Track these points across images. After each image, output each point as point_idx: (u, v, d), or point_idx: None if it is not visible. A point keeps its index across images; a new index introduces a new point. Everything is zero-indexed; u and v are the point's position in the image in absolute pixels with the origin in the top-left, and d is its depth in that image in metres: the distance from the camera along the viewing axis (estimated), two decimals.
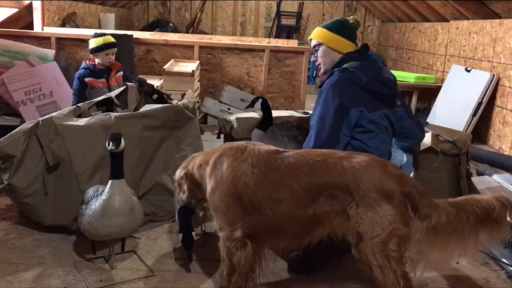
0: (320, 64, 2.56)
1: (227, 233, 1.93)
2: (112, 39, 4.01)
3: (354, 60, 2.43)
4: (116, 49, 4.01)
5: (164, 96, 3.36)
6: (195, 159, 2.13)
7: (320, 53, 2.54)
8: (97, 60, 3.96)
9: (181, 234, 2.33)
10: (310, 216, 1.86)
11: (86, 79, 3.94)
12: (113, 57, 3.99)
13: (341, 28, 2.53)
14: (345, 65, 2.41)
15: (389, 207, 1.80)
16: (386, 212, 1.79)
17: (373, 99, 2.39)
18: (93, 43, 3.95)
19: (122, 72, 4.06)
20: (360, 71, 2.38)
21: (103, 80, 3.94)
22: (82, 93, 3.93)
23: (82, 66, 4.05)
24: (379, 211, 1.80)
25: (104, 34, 4.08)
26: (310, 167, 1.89)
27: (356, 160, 1.88)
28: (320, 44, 2.53)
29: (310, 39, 2.63)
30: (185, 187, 2.13)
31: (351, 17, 2.60)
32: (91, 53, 3.99)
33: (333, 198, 1.85)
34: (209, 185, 1.98)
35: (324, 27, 2.57)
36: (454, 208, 1.88)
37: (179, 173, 2.17)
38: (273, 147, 2.05)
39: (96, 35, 4.00)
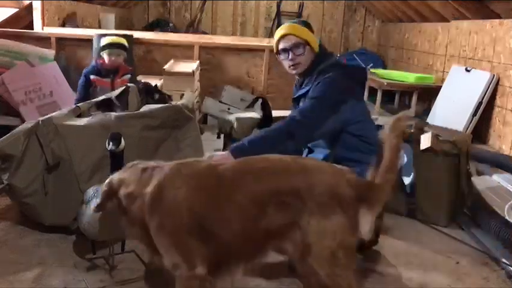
0: (299, 63, 2.46)
1: (186, 273, 1.70)
2: (118, 41, 4.00)
3: (330, 58, 2.46)
4: (121, 51, 3.97)
5: (166, 96, 3.36)
6: (124, 183, 1.84)
7: (305, 52, 2.45)
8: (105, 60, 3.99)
9: None
10: (263, 229, 1.68)
11: (92, 76, 3.95)
12: (117, 58, 3.95)
13: (311, 28, 2.52)
14: (328, 62, 2.43)
15: (342, 215, 1.65)
16: (338, 221, 1.64)
17: (360, 90, 2.50)
18: (101, 42, 4.01)
19: (129, 75, 4.03)
20: (346, 66, 2.46)
21: (108, 80, 3.93)
22: (85, 90, 3.94)
23: (91, 63, 4.11)
24: (332, 220, 1.64)
25: (118, 35, 4.14)
26: (255, 175, 1.72)
27: (306, 162, 1.77)
28: (305, 44, 2.44)
29: (285, 35, 2.46)
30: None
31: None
32: (99, 51, 4.05)
33: (283, 207, 1.66)
34: (151, 222, 1.73)
35: (303, 25, 2.48)
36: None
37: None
38: (207, 162, 1.86)
39: (107, 35, 4.08)
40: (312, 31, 2.50)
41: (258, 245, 1.73)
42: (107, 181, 1.90)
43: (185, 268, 1.70)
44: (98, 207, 1.91)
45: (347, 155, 2.37)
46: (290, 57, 2.44)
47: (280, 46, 2.46)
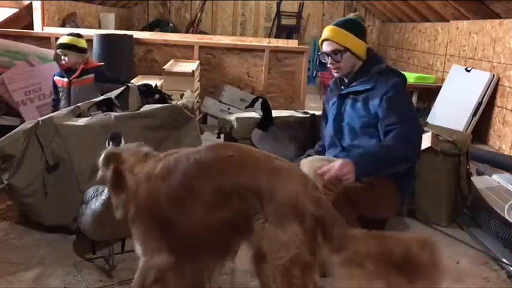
0: (340, 68, 2.41)
1: (147, 261, 1.71)
2: (65, 41, 3.83)
3: (380, 61, 2.43)
4: (67, 51, 3.78)
5: (166, 96, 3.36)
6: (129, 159, 1.82)
7: (344, 59, 2.37)
8: None
9: None
10: (225, 221, 1.61)
11: (55, 77, 3.91)
12: (70, 59, 3.78)
13: (361, 30, 2.40)
14: (382, 66, 2.39)
15: (299, 229, 1.54)
16: (294, 234, 1.54)
17: None
18: None
19: (92, 75, 3.81)
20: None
21: (65, 79, 3.81)
22: (54, 90, 3.93)
23: None
24: (287, 231, 1.54)
25: (72, 34, 3.94)
26: (221, 164, 1.65)
27: (277, 165, 1.67)
28: (345, 50, 2.34)
29: (326, 40, 2.39)
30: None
31: (354, 15, 2.49)
32: None
33: (243, 201, 1.59)
34: (132, 208, 1.75)
35: (346, 29, 2.36)
36: (375, 241, 1.63)
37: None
38: (186, 150, 1.80)
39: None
40: (360, 32, 2.39)
41: (221, 237, 1.66)
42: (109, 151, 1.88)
43: (147, 257, 1.70)
44: (104, 178, 1.86)
45: None
46: (329, 62, 2.41)
47: (322, 49, 2.43)
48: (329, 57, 2.39)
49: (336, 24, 2.39)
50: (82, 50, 3.88)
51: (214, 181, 1.62)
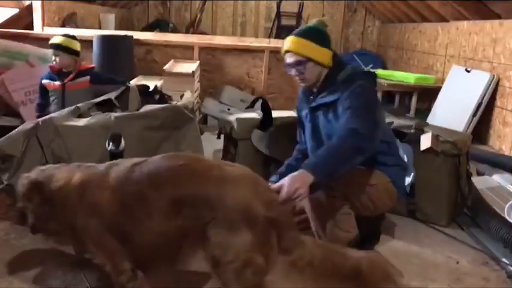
0: (305, 79, 2.38)
1: (114, 269, 1.75)
2: (58, 41, 3.72)
3: (346, 67, 2.38)
4: (59, 52, 3.68)
5: (166, 96, 3.36)
6: (53, 175, 1.86)
7: (307, 70, 2.33)
8: None
9: None
10: (179, 230, 1.63)
11: (43, 81, 3.78)
12: (61, 60, 3.69)
13: (323, 38, 2.35)
14: (348, 71, 2.35)
15: (249, 234, 1.58)
16: (244, 238, 1.57)
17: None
18: None
19: (87, 77, 3.75)
20: (364, 71, 2.42)
21: (58, 82, 3.70)
22: (42, 94, 3.78)
23: None
24: (237, 236, 1.57)
25: (67, 35, 3.83)
26: (173, 174, 1.68)
27: (227, 172, 1.67)
28: (306, 61, 2.31)
29: (287, 51, 2.34)
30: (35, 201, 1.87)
31: (316, 21, 2.42)
32: None
33: (195, 209, 1.62)
34: (80, 220, 1.77)
35: (307, 38, 2.31)
36: (321, 252, 1.67)
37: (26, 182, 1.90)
38: (135, 160, 1.83)
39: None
40: (323, 40, 2.34)
41: (174, 246, 1.68)
42: (27, 175, 1.90)
43: (112, 265, 1.74)
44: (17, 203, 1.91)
45: (377, 159, 2.33)
46: (293, 73, 2.38)
47: (285, 60, 2.40)
48: (293, 69, 2.36)
49: (297, 34, 2.34)
50: (74, 52, 3.78)
51: (167, 191, 1.64)
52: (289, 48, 2.33)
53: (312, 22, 2.42)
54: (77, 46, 3.82)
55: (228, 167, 1.71)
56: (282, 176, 2.45)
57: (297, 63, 2.32)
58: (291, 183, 1.88)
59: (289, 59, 2.35)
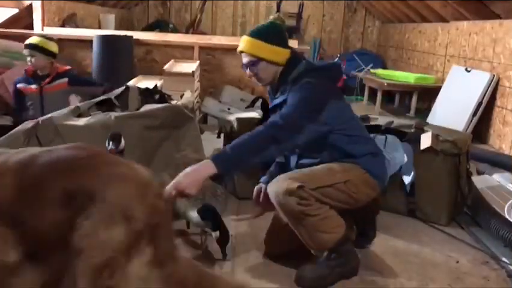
0: (260, 78, 2.37)
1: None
2: (34, 41, 3.64)
3: (300, 64, 2.35)
4: (34, 52, 3.59)
5: (166, 96, 3.36)
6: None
7: (260, 70, 2.32)
8: None
9: (215, 233, 2.29)
10: (69, 220, 1.55)
11: (18, 85, 3.69)
12: (36, 61, 3.60)
13: (276, 36, 2.33)
14: (300, 69, 2.32)
15: (121, 232, 1.51)
16: (115, 236, 1.51)
17: (338, 88, 2.42)
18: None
19: (65, 79, 3.67)
20: (319, 67, 2.38)
21: (35, 86, 3.60)
22: (17, 99, 3.68)
23: None
24: (109, 233, 1.52)
25: (45, 36, 3.76)
26: (68, 165, 1.63)
27: (119, 170, 1.64)
28: (258, 61, 2.29)
29: (241, 52, 2.34)
30: None
31: (272, 18, 2.41)
32: None
33: (81, 204, 1.56)
34: None
35: (259, 38, 2.29)
36: (193, 273, 1.63)
37: None
38: (42, 148, 1.77)
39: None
40: (276, 38, 2.32)
41: (65, 237, 1.59)
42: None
43: None
44: None
45: (342, 152, 2.30)
46: (248, 73, 2.38)
47: (242, 60, 2.39)
48: (248, 69, 2.36)
49: (249, 34, 2.34)
50: (51, 54, 3.70)
51: (60, 181, 1.60)
52: (242, 48, 2.34)
53: (268, 20, 2.40)
54: (54, 47, 3.75)
55: (122, 167, 1.66)
56: (273, 175, 2.48)
57: (250, 64, 2.33)
58: (179, 179, 1.95)
59: (243, 59, 2.37)
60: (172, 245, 1.62)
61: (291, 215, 2.16)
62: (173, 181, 1.96)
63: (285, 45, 2.36)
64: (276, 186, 2.17)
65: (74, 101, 3.65)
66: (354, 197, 2.26)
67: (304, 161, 2.37)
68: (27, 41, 3.65)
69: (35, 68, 3.62)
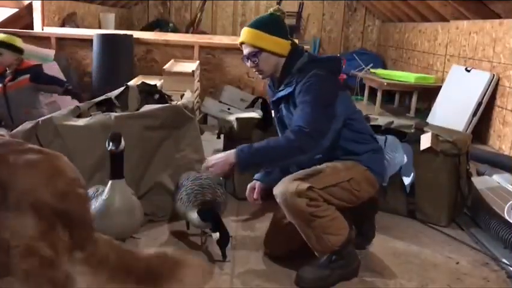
0: (261, 70, 2.36)
1: None
2: (1, 38, 3.56)
3: (302, 55, 2.35)
4: (6, 50, 3.52)
5: (166, 96, 3.35)
6: None
7: (261, 61, 2.31)
8: None
9: (215, 234, 2.29)
10: None
11: None
12: (0, 58, 3.51)
13: (277, 27, 2.31)
14: (304, 60, 2.32)
15: (32, 220, 1.54)
16: (27, 224, 1.54)
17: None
18: None
19: (27, 75, 3.58)
20: (322, 59, 2.38)
21: None
22: None
23: None
24: (22, 220, 1.54)
25: (6, 32, 3.71)
26: None
27: (26, 157, 1.63)
28: (259, 52, 2.28)
29: (242, 43, 2.34)
30: None
31: (272, 10, 2.34)
32: None
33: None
34: None
35: (259, 28, 2.29)
36: (114, 252, 1.64)
37: None
38: None
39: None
40: (276, 29, 2.31)
41: None
42: None
43: None
44: None
45: (345, 150, 2.31)
46: (249, 65, 2.36)
47: (243, 52, 2.39)
48: (248, 60, 2.36)
49: (250, 25, 2.34)
50: (18, 50, 3.64)
51: None
52: (243, 39, 2.34)
53: (269, 11, 2.39)
54: (20, 43, 3.69)
55: (32, 152, 1.66)
56: (267, 174, 2.54)
57: (251, 55, 2.32)
58: (211, 158, 2.18)
59: (244, 50, 2.36)
60: (89, 228, 1.64)
61: (300, 217, 2.14)
62: (209, 158, 2.19)
63: (286, 37, 2.35)
64: (284, 188, 2.14)
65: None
66: (356, 195, 2.26)
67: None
68: None
69: (4, 65, 3.55)
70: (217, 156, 2.16)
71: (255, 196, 2.56)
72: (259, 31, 2.29)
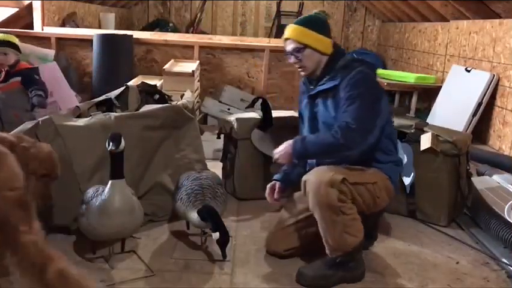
0: (304, 66, 2.40)
1: None
2: (5, 38, 3.48)
3: (343, 56, 2.39)
4: (7, 49, 3.44)
5: (166, 96, 3.35)
6: None
7: (305, 57, 2.36)
8: None
9: (215, 234, 2.28)
10: None
11: None
12: (2, 58, 3.42)
13: (322, 26, 2.38)
14: (347, 58, 2.37)
15: None
16: None
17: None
18: None
19: (19, 78, 3.45)
20: (364, 60, 2.43)
21: None
22: None
23: None
24: None
25: (4, 33, 3.58)
26: None
27: None
28: (304, 47, 2.34)
29: (286, 39, 2.40)
30: None
31: (317, 11, 2.42)
32: None
33: None
34: None
35: (305, 26, 2.35)
36: (36, 252, 1.69)
37: None
38: None
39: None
40: (321, 28, 2.37)
41: None
42: None
43: None
44: None
45: (370, 157, 2.31)
46: (293, 61, 2.41)
47: (285, 48, 2.43)
48: (292, 56, 2.40)
49: (296, 23, 2.40)
50: (18, 49, 3.57)
51: None
52: (288, 35, 2.39)
53: (313, 12, 2.45)
54: (18, 42, 3.61)
55: None
56: (286, 174, 2.51)
57: (295, 50, 2.36)
58: (276, 150, 2.31)
59: (288, 46, 2.40)
60: (14, 232, 1.64)
61: (329, 207, 2.14)
62: (275, 151, 2.32)
63: (329, 36, 2.40)
64: (318, 176, 2.16)
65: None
66: (376, 201, 2.28)
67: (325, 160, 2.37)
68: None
69: (9, 63, 3.46)
70: (280, 148, 2.29)
71: (275, 196, 2.55)
72: (305, 28, 2.35)
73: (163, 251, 2.51)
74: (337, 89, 2.29)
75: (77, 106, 3.01)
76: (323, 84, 2.37)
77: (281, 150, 2.28)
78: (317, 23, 2.38)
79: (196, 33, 8.52)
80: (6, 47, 3.46)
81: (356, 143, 2.15)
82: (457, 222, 3.06)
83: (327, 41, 2.37)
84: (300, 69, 2.43)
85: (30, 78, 3.52)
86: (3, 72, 3.39)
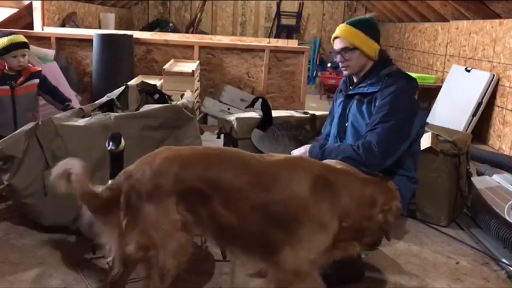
0: (349, 66, 2.40)
1: None
2: (21, 39, 3.38)
3: (391, 64, 2.39)
4: (27, 50, 3.38)
5: (166, 96, 3.35)
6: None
7: (352, 58, 2.36)
8: (6, 65, 3.30)
9: None
10: None
11: None
12: (23, 59, 3.32)
13: (374, 31, 2.38)
14: (392, 68, 2.37)
15: None
16: None
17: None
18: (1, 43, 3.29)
19: (37, 80, 3.38)
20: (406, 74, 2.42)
21: (6, 87, 3.24)
22: None
23: None
24: None
25: (13, 33, 3.48)
26: None
27: None
28: (354, 49, 2.34)
29: (337, 37, 2.40)
30: None
31: (370, 15, 2.43)
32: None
33: None
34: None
35: (358, 28, 2.35)
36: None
37: None
38: None
39: (1, 35, 3.34)
40: (373, 33, 2.37)
41: None
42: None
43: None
44: None
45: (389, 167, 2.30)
46: (339, 59, 2.41)
47: (334, 46, 2.44)
48: (339, 55, 2.39)
49: (349, 23, 2.39)
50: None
51: None
52: (339, 34, 2.39)
53: (366, 15, 2.46)
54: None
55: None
56: None
57: (343, 50, 2.37)
58: (294, 151, 2.42)
59: (337, 44, 2.41)
60: None
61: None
62: (294, 151, 2.42)
63: (378, 42, 2.40)
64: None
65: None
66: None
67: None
68: (16, 40, 3.35)
69: (24, 66, 3.36)
70: (299, 151, 2.38)
71: None
72: (357, 30, 2.35)
73: None
74: (375, 96, 2.30)
75: (80, 108, 3.01)
76: (363, 87, 2.37)
77: (299, 153, 2.35)
78: (369, 27, 2.37)
79: (196, 33, 8.53)
80: (26, 49, 3.39)
81: (373, 164, 2.17)
82: (457, 222, 3.06)
83: (376, 46, 2.37)
84: (343, 68, 2.44)
85: (47, 84, 3.48)
86: (23, 74, 3.34)
